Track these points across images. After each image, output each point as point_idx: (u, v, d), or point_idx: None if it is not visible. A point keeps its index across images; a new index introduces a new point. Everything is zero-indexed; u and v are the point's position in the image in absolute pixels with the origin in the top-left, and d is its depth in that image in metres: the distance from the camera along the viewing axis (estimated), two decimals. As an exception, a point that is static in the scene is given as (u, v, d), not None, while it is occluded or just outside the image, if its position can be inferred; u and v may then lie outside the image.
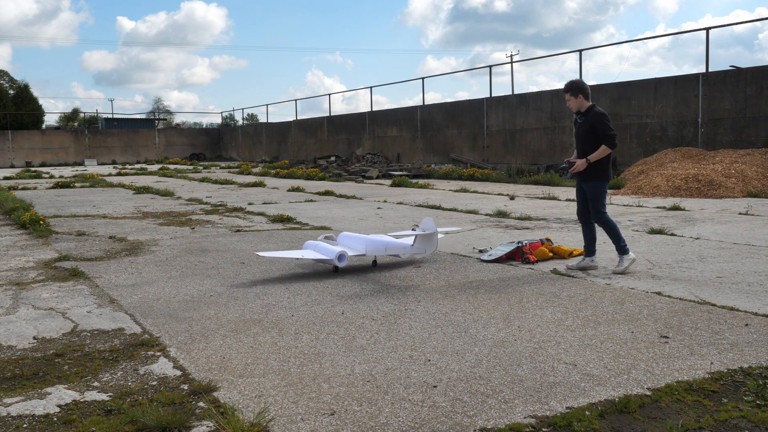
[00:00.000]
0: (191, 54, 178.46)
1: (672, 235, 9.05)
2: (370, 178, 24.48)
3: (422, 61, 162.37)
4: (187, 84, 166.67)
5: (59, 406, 3.60)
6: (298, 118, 43.82)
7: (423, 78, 30.61)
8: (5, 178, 27.69)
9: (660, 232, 9.22)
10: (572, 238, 8.91)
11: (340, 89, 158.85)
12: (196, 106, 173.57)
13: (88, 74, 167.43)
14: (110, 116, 59.93)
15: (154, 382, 3.93)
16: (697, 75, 19.01)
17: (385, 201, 15.16)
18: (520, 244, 7.49)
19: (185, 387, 3.83)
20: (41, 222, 11.09)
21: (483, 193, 16.96)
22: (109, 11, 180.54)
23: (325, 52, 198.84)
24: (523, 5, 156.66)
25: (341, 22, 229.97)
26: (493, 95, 26.42)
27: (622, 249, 6.67)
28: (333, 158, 31.90)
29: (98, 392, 3.79)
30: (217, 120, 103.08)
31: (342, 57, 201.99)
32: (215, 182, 23.34)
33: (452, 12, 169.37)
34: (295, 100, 54.77)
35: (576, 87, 6.80)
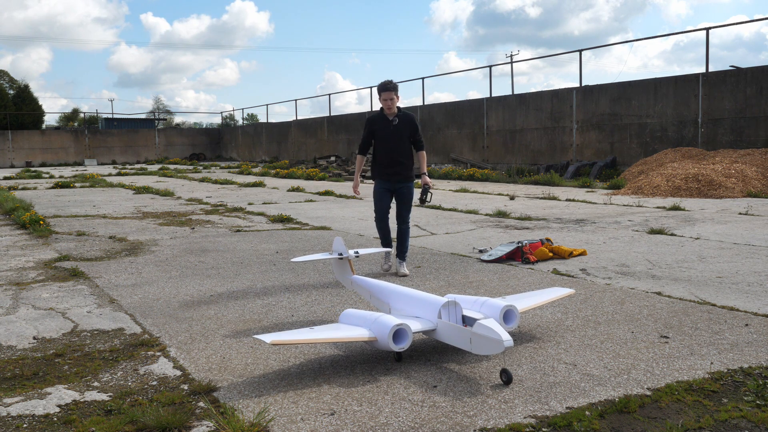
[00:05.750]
0: (221, 57, 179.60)
1: (672, 235, 9.05)
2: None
3: (444, 62, 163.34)
4: (205, 84, 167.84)
5: (59, 406, 3.60)
6: (298, 118, 43.86)
7: (423, 78, 30.62)
8: (5, 178, 27.68)
9: (660, 232, 9.22)
10: (572, 238, 8.91)
11: (343, 89, 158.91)
12: (211, 106, 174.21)
13: (114, 74, 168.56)
14: (110, 116, 59.92)
15: (154, 382, 3.93)
16: (697, 75, 19.00)
17: (385, 201, 15.15)
18: (520, 244, 7.49)
19: (185, 387, 3.83)
20: (41, 222, 11.10)
21: (483, 193, 16.96)
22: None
23: (342, 53, 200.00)
24: (546, 11, 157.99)
25: (361, 23, 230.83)
26: (493, 95, 26.45)
27: None
28: (333, 158, 31.90)
29: (98, 392, 3.78)
30: (218, 120, 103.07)
31: (360, 59, 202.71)
32: (215, 182, 23.34)
33: (474, 15, 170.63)
34: (295, 100, 54.66)
35: None
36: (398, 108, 6.96)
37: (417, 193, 6.67)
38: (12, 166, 42.77)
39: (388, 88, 6.85)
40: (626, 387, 3.65)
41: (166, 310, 5.58)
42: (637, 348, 4.31)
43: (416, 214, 12.18)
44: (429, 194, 6.97)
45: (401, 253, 7.03)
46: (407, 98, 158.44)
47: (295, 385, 3.79)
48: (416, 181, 7.86)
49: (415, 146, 7.08)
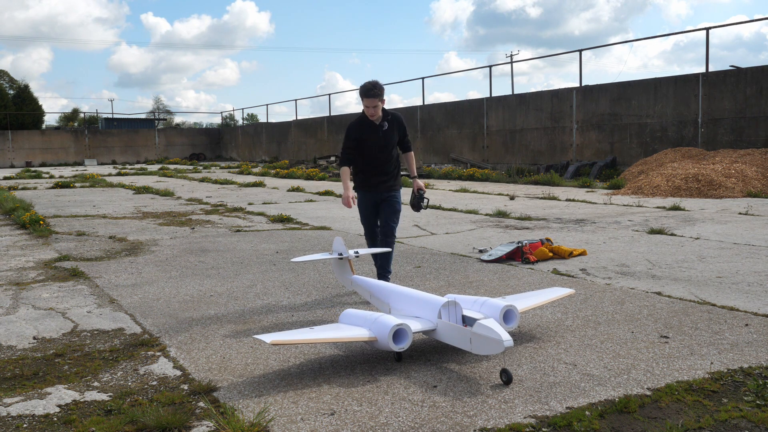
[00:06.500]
0: (221, 57, 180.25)
1: (672, 235, 9.05)
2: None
3: (444, 62, 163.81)
4: (205, 84, 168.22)
5: (59, 406, 3.60)
6: (298, 118, 43.86)
7: (423, 78, 30.62)
8: (5, 178, 27.68)
9: (660, 232, 9.22)
10: (572, 238, 8.91)
11: (343, 89, 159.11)
12: (212, 106, 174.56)
13: (114, 74, 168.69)
14: (110, 116, 59.93)
15: (154, 382, 3.93)
16: (697, 75, 19.00)
17: (385, 201, 15.14)
18: (520, 244, 7.49)
19: (185, 387, 3.83)
20: (41, 222, 11.10)
21: (483, 193, 16.96)
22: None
23: (342, 53, 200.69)
24: (546, 11, 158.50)
25: (361, 23, 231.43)
26: (493, 95, 26.45)
27: None
28: (333, 158, 31.89)
29: (98, 392, 3.78)
30: (218, 120, 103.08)
31: (360, 59, 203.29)
32: (215, 182, 23.34)
33: (474, 15, 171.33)
34: (295, 100, 54.73)
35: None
36: (384, 110, 5.99)
37: (406, 197, 6.52)
38: (12, 166, 42.77)
39: (370, 95, 5.80)
40: (626, 387, 3.65)
41: (166, 310, 5.58)
42: (637, 348, 4.31)
43: (416, 214, 12.18)
44: (426, 200, 6.24)
45: (383, 276, 6.09)
46: (407, 98, 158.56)
47: (295, 385, 3.79)
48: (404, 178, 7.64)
49: (403, 148, 6.28)
